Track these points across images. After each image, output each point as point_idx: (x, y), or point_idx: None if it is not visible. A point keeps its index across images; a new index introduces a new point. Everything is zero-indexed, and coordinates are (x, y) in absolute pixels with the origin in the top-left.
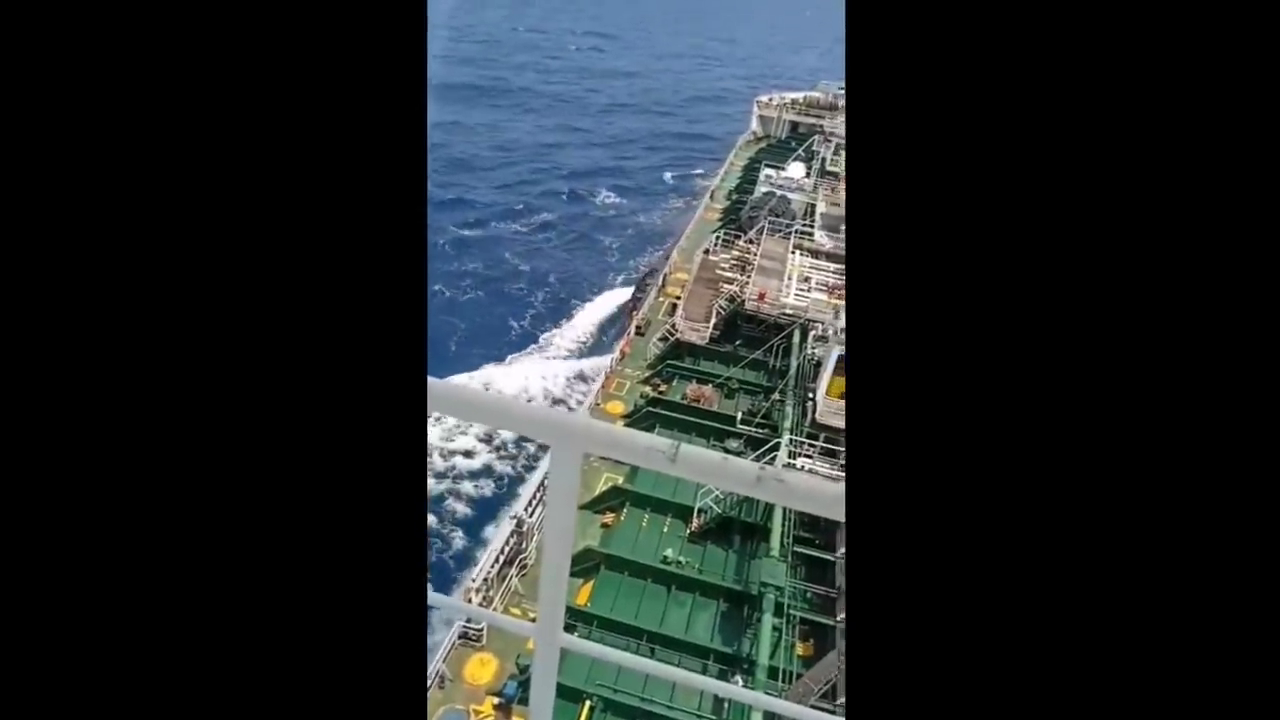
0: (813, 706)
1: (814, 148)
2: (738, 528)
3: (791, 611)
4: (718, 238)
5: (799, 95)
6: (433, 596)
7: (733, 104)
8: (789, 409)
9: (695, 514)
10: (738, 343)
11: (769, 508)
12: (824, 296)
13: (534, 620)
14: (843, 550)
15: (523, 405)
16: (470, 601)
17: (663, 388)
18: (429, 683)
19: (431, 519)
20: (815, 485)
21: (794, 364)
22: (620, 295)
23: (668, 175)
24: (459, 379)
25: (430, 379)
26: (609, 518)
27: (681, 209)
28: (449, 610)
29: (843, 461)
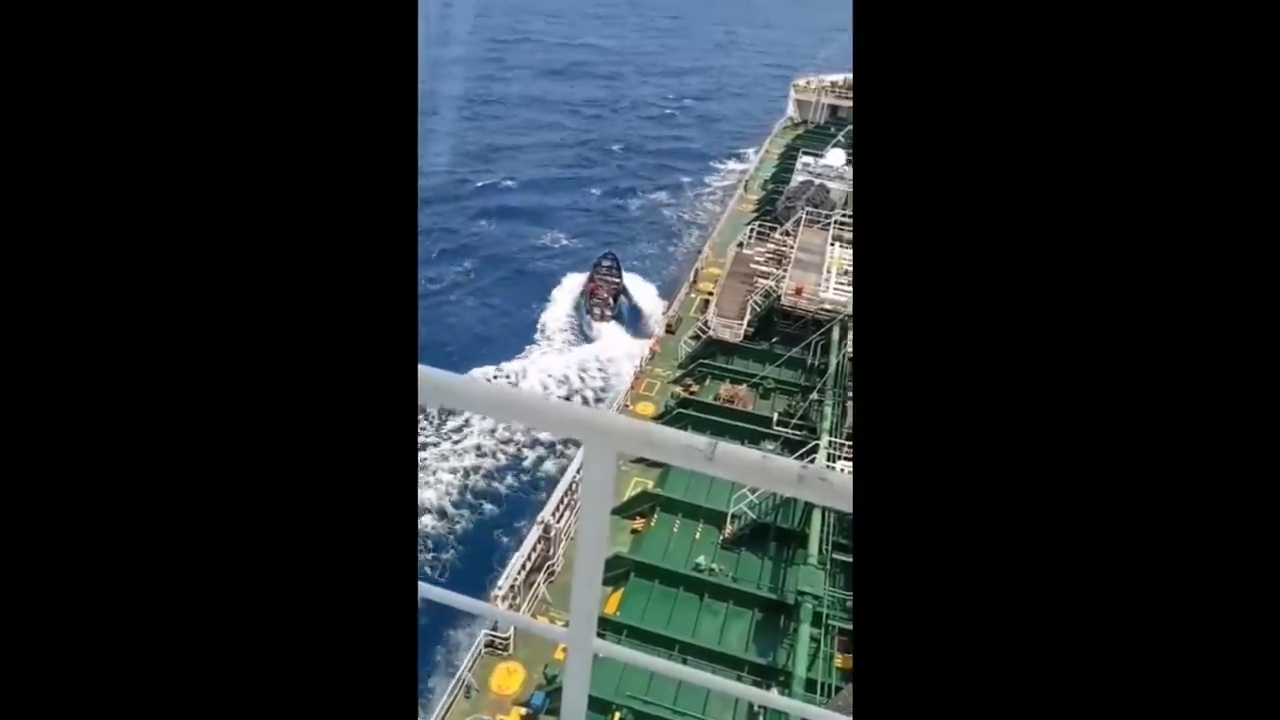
0: None
1: None
2: (773, 533)
3: (830, 622)
4: (752, 230)
5: (839, 77)
6: (466, 600)
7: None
8: (828, 409)
9: (729, 519)
10: (774, 340)
11: (806, 512)
12: None
13: (565, 626)
14: None
15: (556, 403)
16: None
17: (694, 388)
18: (455, 692)
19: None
20: None
21: (833, 362)
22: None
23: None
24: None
25: (461, 376)
26: (639, 523)
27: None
28: (481, 615)
29: None
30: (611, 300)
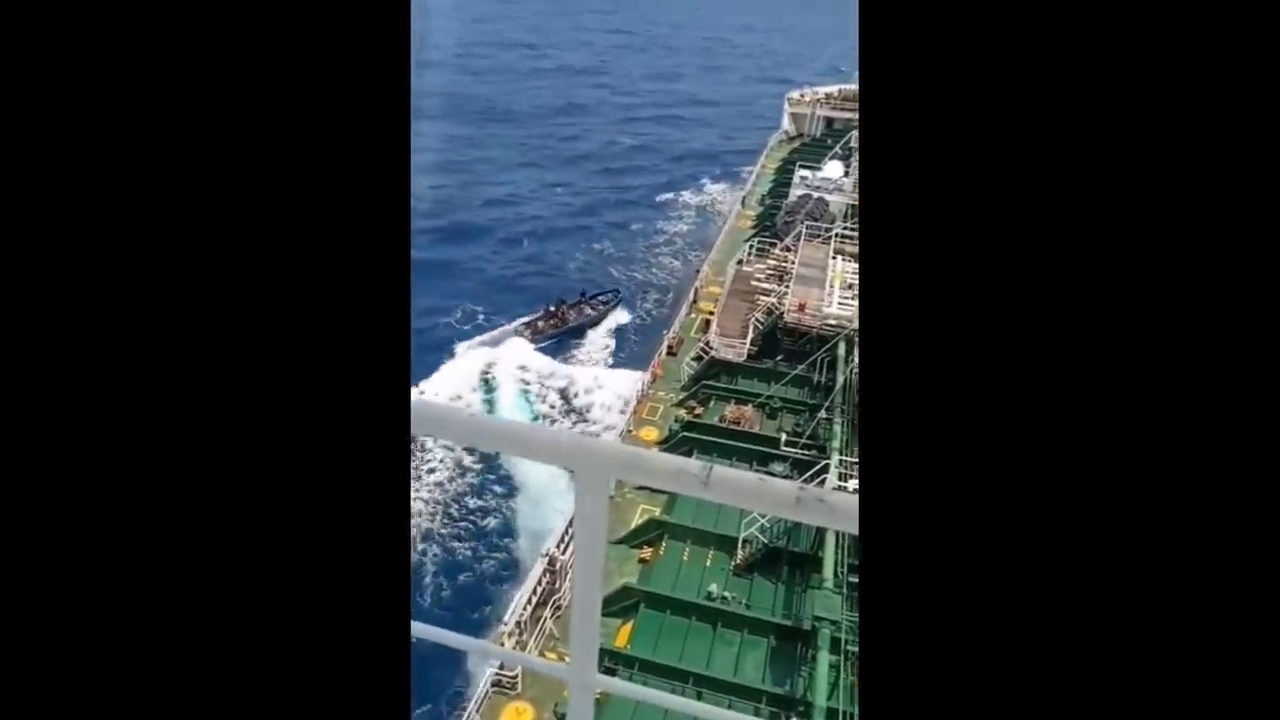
0: None
1: (851, 144)
2: (786, 558)
3: (849, 647)
4: (751, 247)
5: (833, 89)
6: (460, 639)
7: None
8: (837, 427)
9: (740, 545)
10: (778, 358)
11: (820, 535)
12: None
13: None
14: None
15: (545, 431)
16: (503, 647)
17: (699, 410)
18: None
19: None
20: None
21: (840, 378)
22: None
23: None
24: None
25: (445, 406)
26: (647, 552)
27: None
28: (477, 654)
29: None
30: (549, 326)
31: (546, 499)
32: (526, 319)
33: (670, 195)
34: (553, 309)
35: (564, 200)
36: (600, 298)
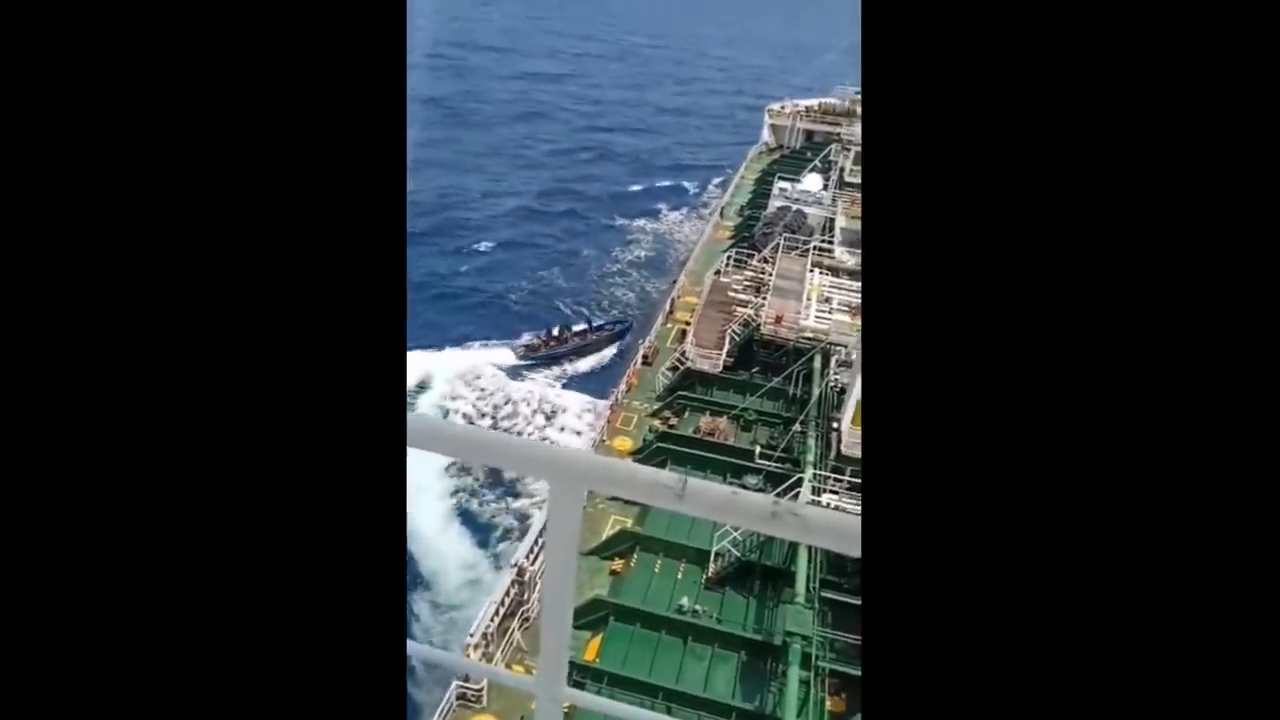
0: None
1: (831, 157)
2: (759, 572)
3: (820, 663)
4: (729, 258)
5: (813, 102)
6: (424, 650)
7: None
8: (811, 441)
9: (712, 558)
10: (754, 370)
11: (793, 549)
12: (846, 318)
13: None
14: None
15: (518, 441)
16: (469, 658)
17: (673, 421)
18: None
19: None
20: (836, 520)
21: (815, 392)
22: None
23: None
24: None
25: (420, 415)
26: (618, 564)
27: None
28: (442, 665)
29: None
30: (545, 346)
31: (457, 612)
32: (526, 341)
33: (625, 221)
34: (556, 333)
35: (514, 210)
36: (606, 328)
